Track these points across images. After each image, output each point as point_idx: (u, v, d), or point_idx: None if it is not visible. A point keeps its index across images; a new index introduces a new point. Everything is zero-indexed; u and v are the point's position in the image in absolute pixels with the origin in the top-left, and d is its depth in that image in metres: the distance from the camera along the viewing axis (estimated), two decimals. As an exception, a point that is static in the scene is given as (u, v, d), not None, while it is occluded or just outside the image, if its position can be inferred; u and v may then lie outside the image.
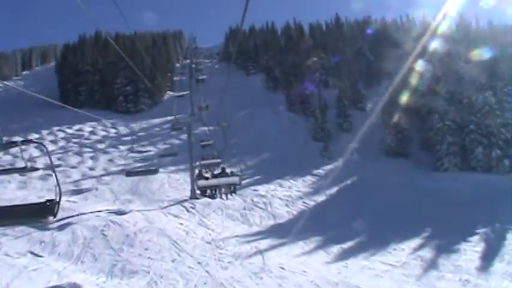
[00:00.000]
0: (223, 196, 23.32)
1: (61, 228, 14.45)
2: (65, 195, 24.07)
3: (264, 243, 16.27)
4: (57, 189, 6.41)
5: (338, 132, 41.94)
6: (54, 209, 6.67)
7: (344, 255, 16.47)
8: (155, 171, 19.48)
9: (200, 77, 31.69)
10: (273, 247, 15.97)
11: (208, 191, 23.48)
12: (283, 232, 18.46)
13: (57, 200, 6.50)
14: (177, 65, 67.30)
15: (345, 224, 20.48)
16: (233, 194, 23.50)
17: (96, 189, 25.91)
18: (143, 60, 50.96)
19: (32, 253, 11.93)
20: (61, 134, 41.52)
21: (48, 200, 6.67)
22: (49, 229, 14.42)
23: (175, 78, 58.89)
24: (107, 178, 28.92)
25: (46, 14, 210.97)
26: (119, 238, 13.77)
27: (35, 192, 24.13)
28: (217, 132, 24.73)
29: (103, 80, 54.31)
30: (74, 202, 20.00)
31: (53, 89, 52.27)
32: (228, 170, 22.46)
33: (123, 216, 16.01)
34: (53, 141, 39.37)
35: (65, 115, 43.29)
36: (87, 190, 26.43)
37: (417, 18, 61.91)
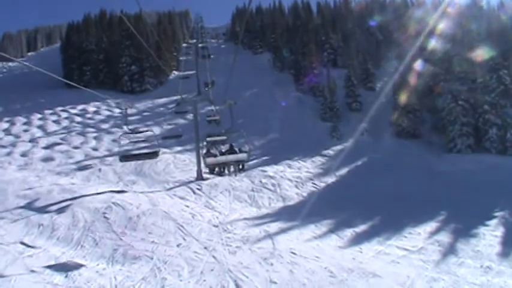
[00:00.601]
0: (232, 174, 22.85)
1: (61, 211, 13.82)
2: (67, 176, 23.59)
3: (274, 226, 15.56)
4: None
5: (347, 112, 41.18)
6: None
7: (358, 240, 15.69)
8: (155, 155, 18.07)
9: (206, 53, 30.95)
10: (283, 230, 15.25)
11: (217, 169, 23.06)
12: (293, 215, 17.73)
13: None
14: (184, 45, 66.55)
15: (356, 206, 19.76)
16: (241, 172, 22.99)
17: (99, 170, 25.28)
18: (149, 40, 50.15)
19: (22, 243, 11.24)
20: (64, 114, 40.84)
21: None
22: (48, 212, 13.83)
23: (181, 58, 58.21)
24: (110, 159, 28.26)
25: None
26: (121, 221, 13.14)
27: (35, 173, 23.56)
28: (224, 112, 24.03)
29: (107, 59, 53.50)
30: (73, 184, 19.29)
31: (57, 70, 51.56)
32: (236, 149, 22.00)
33: (126, 198, 15.36)
34: (56, 122, 38.74)
35: (69, 95, 42.77)
36: (90, 167, 25.93)
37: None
